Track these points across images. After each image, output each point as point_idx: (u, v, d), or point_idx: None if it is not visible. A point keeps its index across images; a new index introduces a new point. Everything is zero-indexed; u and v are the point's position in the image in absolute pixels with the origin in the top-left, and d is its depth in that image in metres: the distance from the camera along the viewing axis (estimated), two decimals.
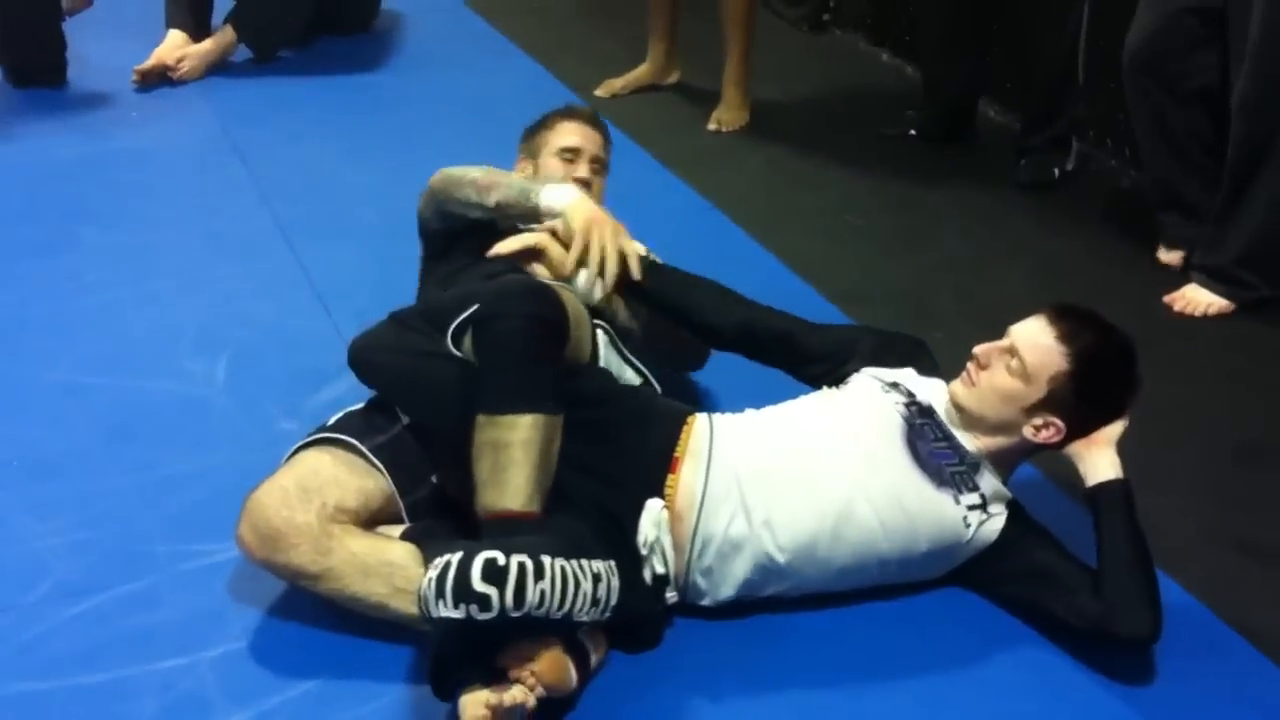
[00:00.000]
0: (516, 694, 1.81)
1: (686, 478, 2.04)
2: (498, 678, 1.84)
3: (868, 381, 2.18)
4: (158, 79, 4.44)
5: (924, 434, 2.08)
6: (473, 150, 3.91)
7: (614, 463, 2.04)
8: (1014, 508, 2.12)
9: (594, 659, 1.97)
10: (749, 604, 2.10)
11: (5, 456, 2.52)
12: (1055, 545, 2.11)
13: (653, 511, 2.00)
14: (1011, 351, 2.06)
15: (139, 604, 2.14)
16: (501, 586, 1.74)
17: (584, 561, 1.84)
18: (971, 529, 2.06)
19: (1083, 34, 3.66)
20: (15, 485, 2.43)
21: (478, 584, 1.74)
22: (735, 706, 1.96)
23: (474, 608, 1.74)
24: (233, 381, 2.77)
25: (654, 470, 2.04)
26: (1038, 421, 2.06)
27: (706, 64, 4.37)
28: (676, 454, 2.05)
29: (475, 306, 1.99)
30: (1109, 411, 2.09)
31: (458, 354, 2.02)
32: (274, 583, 2.17)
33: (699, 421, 2.11)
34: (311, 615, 2.10)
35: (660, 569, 2.01)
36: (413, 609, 1.88)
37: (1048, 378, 2.03)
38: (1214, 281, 3.06)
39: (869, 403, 2.13)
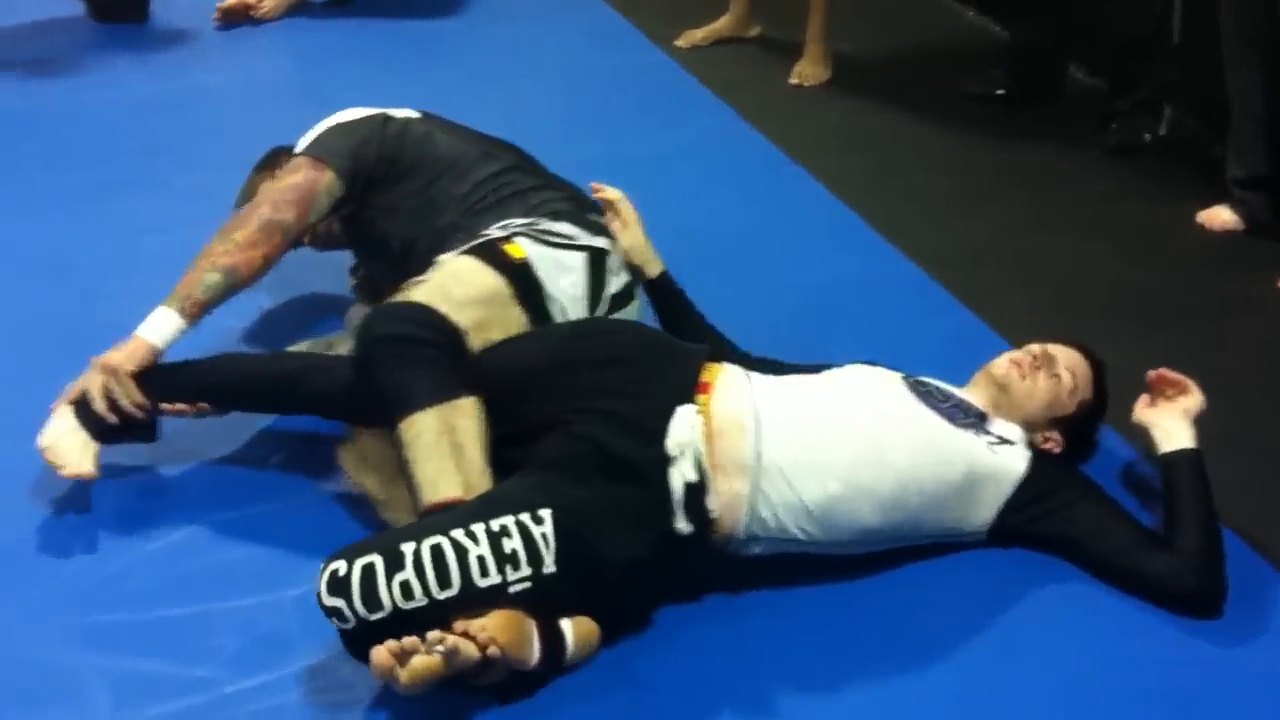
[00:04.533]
0: (446, 639, 1.70)
1: (721, 399, 2.02)
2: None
3: (853, 366, 2.22)
4: (240, 18, 4.45)
5: (929, 394, 2.14)
6: (546, 101, 3.91)
7: (638, 381, 2.04)
8: (1035, 451, 2.16)
9: (570, 646, 1.85)
10: (778, 574, 2.07)
11: None
12: (1099, 495, 2.14)
13: (686, 414, 1.98)
14: (1065, 370, 2.23)
15: (220, 541, 2.16)
16: (348, 597, 1.74)
17: (488, 522, 1.79)
18: (1000, 456, 2.10)
19: None
20: None
21: (326, 598, 1.75)
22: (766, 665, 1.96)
23: (334, 620, 1.76)
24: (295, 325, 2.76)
25: (681, 388, 2.03)
26: (1049, 432, 2.22)
27: (788, 17, 4.30)
28: (705, 379, 2.05)
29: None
30: (1089, 437, 2.32)
31: None
32: (353, 524, 2.18)
33: (727, 366, 2.11)
34: None
35: (693, 475, 1.94)
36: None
37: (1078, 402, 2.24)
38: None
39: (868, 372, 2.19)
